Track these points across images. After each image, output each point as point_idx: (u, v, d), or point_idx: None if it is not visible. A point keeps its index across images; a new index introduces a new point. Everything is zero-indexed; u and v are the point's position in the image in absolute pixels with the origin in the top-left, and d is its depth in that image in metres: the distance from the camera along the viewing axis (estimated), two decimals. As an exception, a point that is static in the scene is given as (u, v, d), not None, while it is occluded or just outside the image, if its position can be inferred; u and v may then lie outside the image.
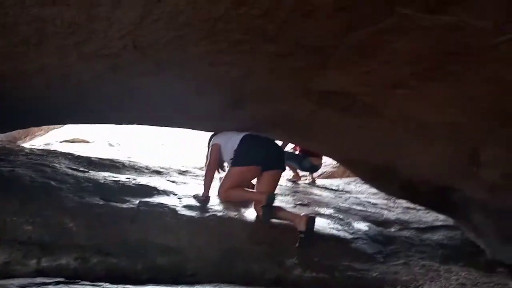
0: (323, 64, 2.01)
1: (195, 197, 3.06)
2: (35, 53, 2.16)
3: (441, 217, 3.52)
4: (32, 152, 3.97)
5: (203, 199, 3.01)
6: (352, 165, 3.49)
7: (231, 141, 3.10)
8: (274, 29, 1.79)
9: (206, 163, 3.34)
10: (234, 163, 3.01)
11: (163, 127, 3.92)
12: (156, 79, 2.40)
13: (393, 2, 1.52)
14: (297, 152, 5.39)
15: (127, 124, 3.42)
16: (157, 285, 1.83)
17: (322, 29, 1.75)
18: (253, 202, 3.00)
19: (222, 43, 1.95)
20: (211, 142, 3.32)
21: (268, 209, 2.76)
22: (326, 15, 1.66)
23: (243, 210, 3.08)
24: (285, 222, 2.84)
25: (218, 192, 3.02)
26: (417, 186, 2.87)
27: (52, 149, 6.45)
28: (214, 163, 3.18)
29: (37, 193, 2.60)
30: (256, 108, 2.83)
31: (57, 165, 3.35)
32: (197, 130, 3.76)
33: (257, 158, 2.98)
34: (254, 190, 3.08)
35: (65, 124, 3.87)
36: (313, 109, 2.58)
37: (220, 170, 3.39)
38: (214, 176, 3.19)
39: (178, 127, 3.82)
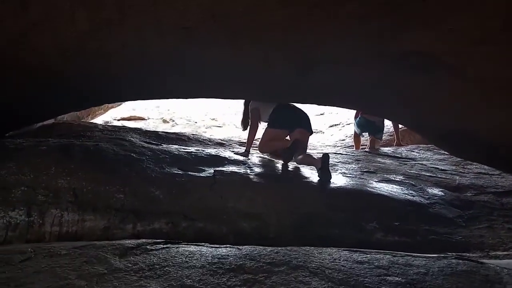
0: (405, 23, 1.92)
1: (238, 153, 3.73)
2: (116, 31, 2.27)
3: (519, 181, 3.34)
4: (105, 128, 4.24)
5: (245, 153, 3.70)
6: (423, 129, 3.34)
7: (267, 107, 3.74)
8: (355, -12, 1.73)
9: (241, 121, 4.08)
10: (270, 125, 3.71)
11: (226, 99, 4.01)
12: (228, 49, 2.43)
13: None
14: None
15: (195, 97, 3.51)
16: (250, 246, 1.91)
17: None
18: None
19: (299, 7, 1.92)
20: (250, 106, 3.92)
21: (289, 150, 3.38)
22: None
23: (311, 177, 3.11)
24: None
25: (258, 146, 3.77)
26: (498, 149, 2.70)
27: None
28: (256, 124, 3.90)
29: (122, 165, 2.79)
30: (323, 76, 2.76)
31: (132, 139, 3.55)
32: (260, 100, 3.79)
33: (288, 123, 3.66)
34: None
35: (136, 100, 4.04)
36: (385, 71, 2.49)
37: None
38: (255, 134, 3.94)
39: (242, 98, 3.88)
